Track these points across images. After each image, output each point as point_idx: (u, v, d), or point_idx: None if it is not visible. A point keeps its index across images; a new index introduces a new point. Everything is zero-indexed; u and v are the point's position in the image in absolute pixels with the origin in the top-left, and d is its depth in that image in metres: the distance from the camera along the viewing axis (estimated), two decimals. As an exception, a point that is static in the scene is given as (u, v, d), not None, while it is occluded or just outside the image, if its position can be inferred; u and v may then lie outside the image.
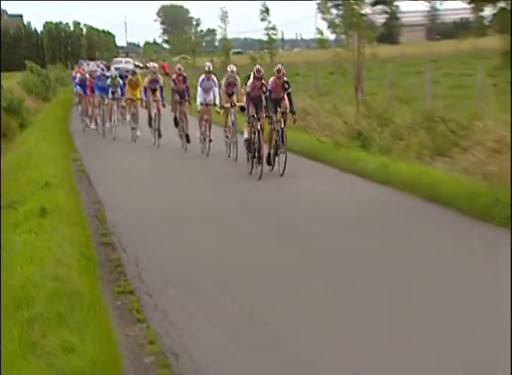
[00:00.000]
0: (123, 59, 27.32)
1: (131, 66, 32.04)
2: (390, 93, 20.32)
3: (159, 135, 19.94)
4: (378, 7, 59.02)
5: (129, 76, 22.11)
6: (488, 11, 11.41)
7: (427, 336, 6.12)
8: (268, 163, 14.59)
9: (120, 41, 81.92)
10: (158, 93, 20.02)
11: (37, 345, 5.60)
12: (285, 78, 14.61)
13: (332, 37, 22.43)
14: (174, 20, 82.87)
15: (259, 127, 14.37)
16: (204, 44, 61.97)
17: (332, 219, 10.65)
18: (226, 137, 17.20)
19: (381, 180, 12.74)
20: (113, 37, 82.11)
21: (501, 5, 10.97)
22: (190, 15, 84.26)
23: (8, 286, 7.06)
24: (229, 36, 31.39)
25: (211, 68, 17.48)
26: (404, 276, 7.86)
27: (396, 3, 65.18)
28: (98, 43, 72.78)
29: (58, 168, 14.83)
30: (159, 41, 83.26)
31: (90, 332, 6.07)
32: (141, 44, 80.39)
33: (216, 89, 17.40)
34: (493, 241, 8.89)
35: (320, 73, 26.44)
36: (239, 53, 38.09)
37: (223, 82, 17.14)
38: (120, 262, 8.89)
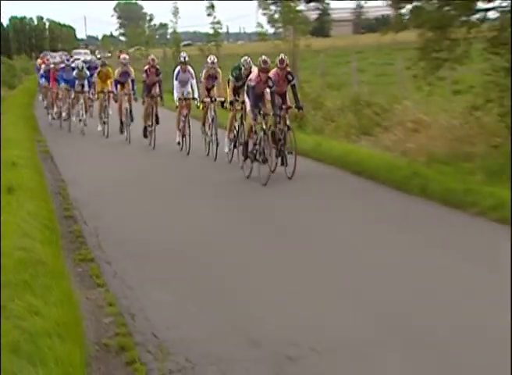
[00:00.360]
0: (82, 51, 25.62)
1: (89, 57, 27.79)
2: (322, 80, 20.55)
3: (125, 130, 16.65)
4: (312, 4, 59.32)
5: (99, 68, 18.57)
6: (405, 9, 11.48)
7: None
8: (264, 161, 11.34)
9: (80, 34, 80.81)
10: (129, 86, 16.73)
11: (5, 309, 5.50)
12: (288, 69, 12.03)
13: (271, 30, 22.49)
14: (129, 15, 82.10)
15: (264, 126, 11.38)
16: (157, 36, 61.38)
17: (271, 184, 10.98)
18: (206, 134, 14.22)
19: (315, 157, 12.81)
20: (74, 30, 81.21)
21: (416, 3, 11.07)
22: (143, 10, 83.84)
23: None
24: (180, 29, 31.30)
25: (186, 58, 14.47)
26: (328, 232, 8.28)
27: (327, 1, 66.50)
28: (60, 36, 71.89)
29: (24, 149, 14.56)
30: (116, 34, 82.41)
31: (54, 296, 5.98)
32: (100, 37, 79.40)
33: (194, 81, 14.43)
34: (409, 208, 9.01)
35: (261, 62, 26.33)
36: (189, 45, 37.64)
37: (203, 74, 14.04)
38: (81, 233, 8.78)
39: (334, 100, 17.23)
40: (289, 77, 11.90)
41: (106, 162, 14.58)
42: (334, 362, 4.91)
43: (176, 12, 28.99)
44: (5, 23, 69.92)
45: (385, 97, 16.22)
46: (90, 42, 74.37)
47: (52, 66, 21.54)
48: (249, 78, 11.71)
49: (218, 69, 14.13)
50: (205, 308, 6.06)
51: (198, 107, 14.34)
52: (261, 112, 11.48)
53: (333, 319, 5.68)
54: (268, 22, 21.13)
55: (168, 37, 34.54)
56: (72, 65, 19.71)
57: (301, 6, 20.46)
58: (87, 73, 18.93)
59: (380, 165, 11.00)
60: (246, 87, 11.77)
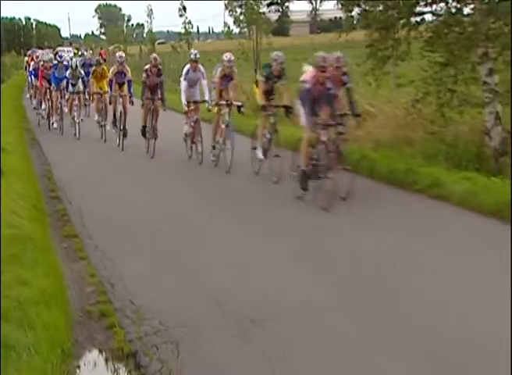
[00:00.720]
0: (66, 48, 24.05)
1: (71, 54, 25.66)
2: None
3: (124, 135, 13.45)
4: (273, 7, 59.61)
5: (94, 67, 15.44)
6: (355, 11, 11.51)
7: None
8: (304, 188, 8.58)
9: (65, 33, 79.59)
10: (125, 87, 13.72)
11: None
12: (345, 69, 9.34)
13: (237, 30, 22.38)
14: (109, 16, 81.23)
15: (324, 138, 8.28)
16: (134, 35, 60.63)
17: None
18: (217, 141, 11.07)
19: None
20: (59, 29, 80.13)
21: (364, 7, 11.09)
22: (122, 12, 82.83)
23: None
24: (155, 29, 31.21)
25: (197, 56, 11.47)
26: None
27: (286, 4, 66.84)
28: (46, 34, 70.97)
29: (13, 136, 14.35)
30: (97, 33, 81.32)
31: (41, 268, 5.95)
32: (82, 36, 78.35)
33: (205, 82, 11.46)
34: (359, 187, 9.04)
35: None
36: (163, 43, 37.27)
37: (217, 74, 10.92)
38: (66, 212, 8.69)
39: (293, 92, 17.17)
40: (345, 79, 9.22)
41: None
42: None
43: (150, 14, 28.94)
44: None
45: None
46: (73, 40, 73.16)
47: (42, 63, 17.62)
48: (302, 79, 8.99)
49: (235, 69, 11.14)
50: (178, 278, 6.07)
51: (210, 110, 11.43)
52: (320, 121, 8.40)
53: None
54: (234, 22, 21.12)
55: (145, 35, 34.15)
56: (65, 62, 16.34)
57: (263, 8, 20.52)
58: (82, 72, 15.85)
59: (358, 158, 10.96)
60: (300, 91, 8.88)
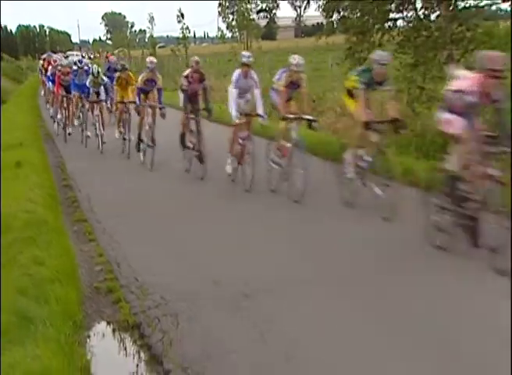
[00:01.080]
0: (74, 52, 22.78)
1: (79, 57, 22.48)
2: (270, 75, 20.37)
3: (141, 151, 10.77)
4: (261, 14, 59.66)
5: (118, 73, 12.36)
6: (334, 18, 11.47)
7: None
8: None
9: (75, 39, 79.23)
10: (154, 96, 10.75)
11: (15, 260, 5.46)
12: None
13: (229, 35, 22.37)
14: (114, 23, 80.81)
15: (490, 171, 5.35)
16: (137, 40, 60.23)
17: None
18: (279, 164, 8.41)
19: (265, 136, 12.68)
20: (69, 35, 79.90)
21: (343, 13, 11.07)
22: (126, 19, 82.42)
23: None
24: (155, 34, 31.10)
25: (250, 59, 8.65)
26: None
27: (273, 11, 67.05)
28: (58, 40, 70.77)
29: (29, 132, 14.28)
30: (104, 38, 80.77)
31: (54, 250, 5.95)
32: (91, 41, 77.90)
33: (258, 91, 8.66)
34: (336, 173, 9.02)
35: (221, 60, 26.19)
36: (163, 47, 37.04)
37: (282, 80, 8.27)
38: (76, 199, 8.65)
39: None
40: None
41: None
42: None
43: (151, 20, 28.91)
44: (14, 30, 69.94)
45: (320, 88, 16.21)
46: (83, 45, 72.75)
47: (59, 68, 14.82)
48: (459, 88, 5.54)
49: (303, 75, 8.31)
50: (177, 258, 6.06)
51: (263, 126, 8.66)
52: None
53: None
54: (227, 28, 21.16)
55: (146, 40, 33.96)
56: (86, 68, 13.44)
57: (253, 15, 20.57)
58: (104, 78, 13.01)
59: (315, 141, 11.01)
60: (463, 105, 5.48)
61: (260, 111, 8.42)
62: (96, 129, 12.39)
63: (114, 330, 4.70)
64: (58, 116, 14.98)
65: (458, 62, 9.48)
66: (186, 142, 9.69)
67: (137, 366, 4.15)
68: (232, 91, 8.55)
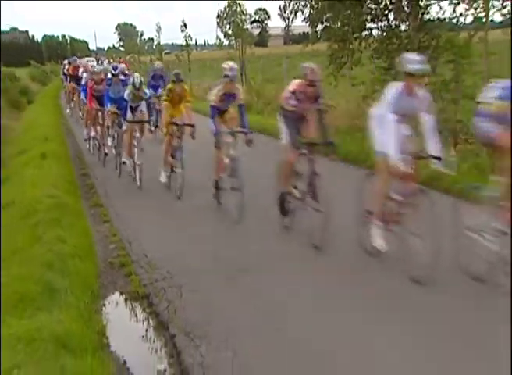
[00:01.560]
0: (90, 58, 21.33)
1: (94, 63, 18.40)
2: (262, 77, 20.39)
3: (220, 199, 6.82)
4: (254, 24, 59.57)
5: (169, 85, 8.05)
6: (319, 27, 11.44)
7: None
8: None
9: (91, 46, 79.44)
10: (231, 117, 6.81)
11: (41, 238, 5.47)
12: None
13: (226, 42, 22.21)
14: (126, 32, 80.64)
15: None
16: (146, 47, 59.78)
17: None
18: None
19: (258, 130, 12.70)
20: (87, 43, 79.90)
21: (326, 24, 11.03)
22: (136, 29, 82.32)
23: (20, 202, 6.81)
24: (162, 42, 30.81)
25: (422, 68, 4.33)
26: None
27: (265, 22, 67.46)
28: (77, 48, 71.02)
29: (53, 128, 14.23)
30: (117, 45, 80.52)
31: (75, 230, 5.99)
32: (105, 48, 77.72)
33: (431, 118, 4.54)
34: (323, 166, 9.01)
35: (219, 65, 26.00)
36: (168, 53, 36.77)
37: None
38: (93, 186, 8.63)
39: (270, 90, 17.14)
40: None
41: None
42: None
43: (158, 30, 28.59)
44: (40, 39, 72.84)
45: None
46: (98, 52, 72.45)
47: (92, 77, 10.24)
48: None
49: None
50: (182, 237, 6.05)
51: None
52: None
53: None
54: (224, 36, 20.91)
55: (154, 47, 33.74)
56: (122, 77, 9.93)
57: (247, 25, 20.46)
58: (147, 92, 8.73)
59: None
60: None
61: (436, 151, 4.48)
62: (134, 157, 8.31)
63: (126, 300, 4.73)
64: (92, 134, 10.71)
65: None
66: (292, 192, 5.69)
67: (146, 330, 4.18)
68: (389, 119, 4.56)
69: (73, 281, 4.59)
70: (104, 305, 4.64)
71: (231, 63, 6.54)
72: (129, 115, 8.60)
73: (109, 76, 9.64)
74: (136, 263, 5.32)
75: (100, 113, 10.18)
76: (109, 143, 10.05)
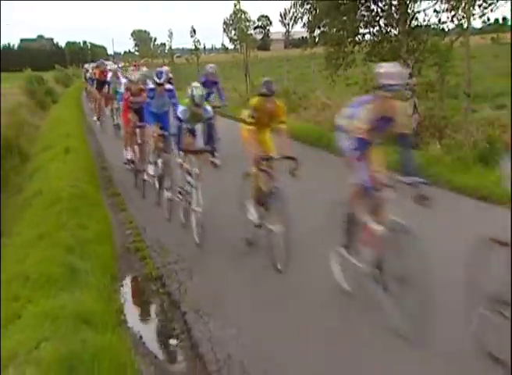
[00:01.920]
0: (108, 62, 20.10)
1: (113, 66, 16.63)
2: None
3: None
4: (257, 30, 59.36)
5: (254, 100, 4.64)
6: (316, 32, 11.35)
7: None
8: None
9: (109, 51, 79.67)
10: (379, 157, 3.71)
11: (65, 225, 5.45)
12: None
13: (232, 46, 22.09)
14: (140, 38, 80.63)
15: None
16: (159, 51, 59.64)
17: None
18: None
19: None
20: (105, 49, 79.99)
21: (323, 29, 10.95)
22: (150, 35, 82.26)
23: (46, 192, 6.80)
24: (173, 46, 30.64)
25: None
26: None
27: (267, 27, 67.38)
28: (96, 52, 71.25)
29: (75, 126, 14.16)
30: (132, 50, 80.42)
31: (95, 217, 5.98)
32: (122, 53, 77.65)
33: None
34: (316, 156, 8.95)
35: (225, 67, 25.91)
36: (179, 57, 36.66)
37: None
38: (111, 178, 8.61)
39: (272, 90, 17.06)
40: None
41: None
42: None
43: (170, 35, 28.47)
44: (63, 45, 73.65)
45: (305, 88, 16.17)
46: (116, 56, 72.44)
47: (127, 85, 7.78)
48: None
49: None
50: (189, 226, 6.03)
51: None
52: None
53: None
54: (230, 40, 20.79)
55: (166, 51, 33.61)
56: (169, 86, 6.73)
57: (251, 31, 20.40)
58: (209, 110, 5.42)
59: (302, 130, 10.96)
60: None
61: None
62: (192, 198, 5.37)
63: (141, 281, 4.73)
64: (128, 156, 7.98)
65: (413, 68, 9.48)
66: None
67: (160, 307, 4.19)
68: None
69: (94, 264, 4.59)
70: (121, 285, 4.64)
71: (398, 66, 3.62)
72: (182, 138, 5.48)
73: (150, 86, 6.94)
74: (150, 248, 5.27)
75: (139, 131, 7.25)
76: (151, 172, 6.90)
